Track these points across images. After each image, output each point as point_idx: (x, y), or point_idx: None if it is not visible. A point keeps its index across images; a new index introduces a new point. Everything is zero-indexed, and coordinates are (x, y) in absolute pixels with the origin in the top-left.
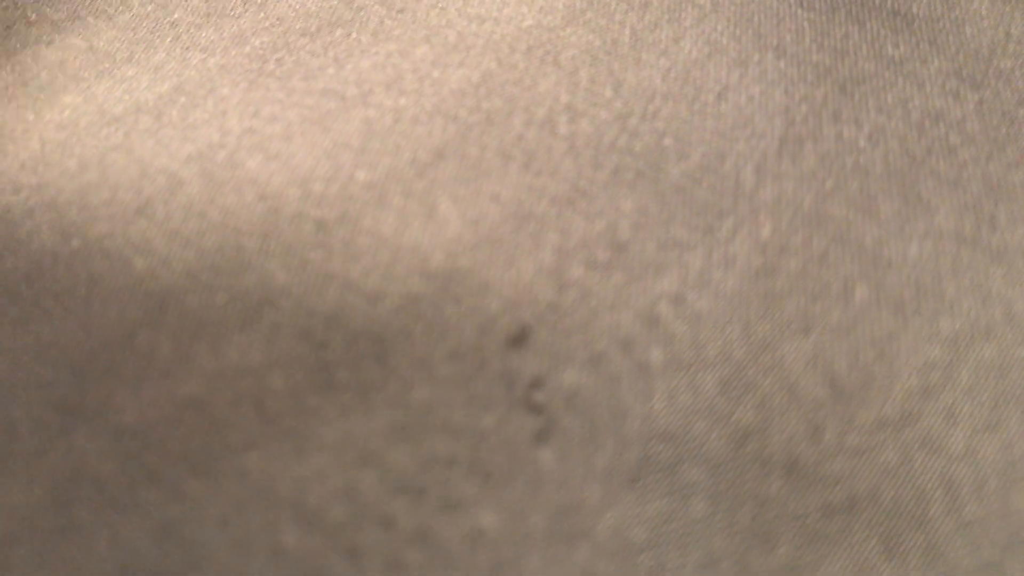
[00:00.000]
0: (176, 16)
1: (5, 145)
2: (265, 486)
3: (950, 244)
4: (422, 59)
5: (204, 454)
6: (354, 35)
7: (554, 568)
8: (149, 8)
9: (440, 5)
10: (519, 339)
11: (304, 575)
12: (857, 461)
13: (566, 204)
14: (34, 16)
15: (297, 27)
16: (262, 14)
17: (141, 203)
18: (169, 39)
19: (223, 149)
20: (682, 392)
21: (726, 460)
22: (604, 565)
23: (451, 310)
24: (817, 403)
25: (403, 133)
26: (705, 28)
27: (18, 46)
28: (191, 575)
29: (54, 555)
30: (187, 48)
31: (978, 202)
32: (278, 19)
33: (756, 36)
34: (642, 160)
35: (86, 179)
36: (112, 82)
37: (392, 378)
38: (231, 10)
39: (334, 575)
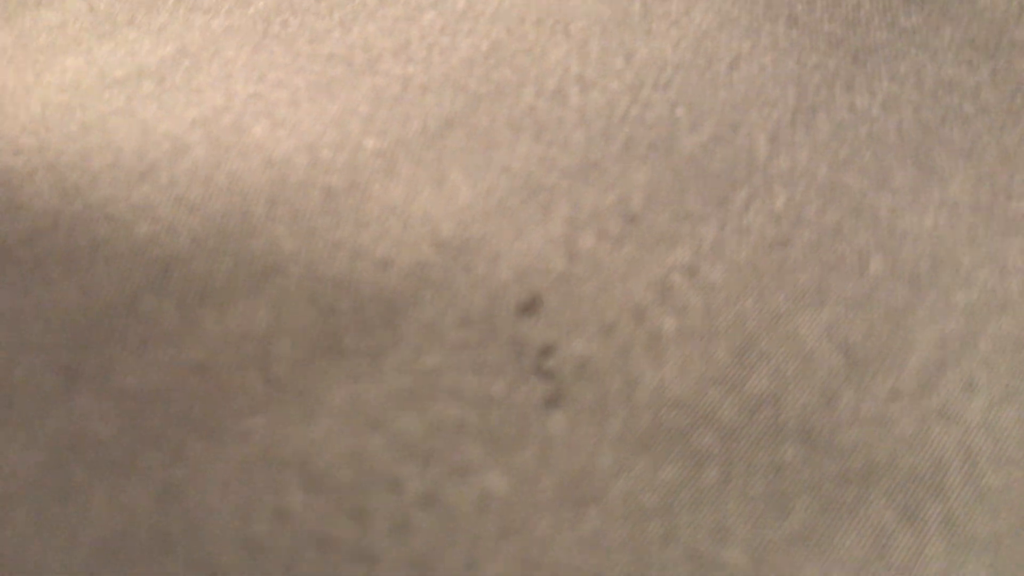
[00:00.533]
0: None
1: (5, 107)
2: (270, 449)
3: (965, 214)
4: (430, 26)
5: (208, 417)
6: None
7: (564, 533)
8: None
9: None
10: (529, 307)
11: (309, 536)
12: (873, 430)
13: (577, 175)
14: None
15: None
16: None
17: (145, 168)
18: (171, 1)
19: (229, 114)
20: (695, 360)
21: (739, 428)
22: (615, 530)
23: (461, 278)
24: (832, 373)
25: (412, 102)
26: None
27: (18, 8)
28: (192, 537)
29: (54, 516)
30: (190, 10)
31: (993, 171)
32: None
33: (767, 6)
34: (654, 131)
35: (88, 142)
36: (113, 44)
37: (401, 344)
38: None
39: (340, 537)
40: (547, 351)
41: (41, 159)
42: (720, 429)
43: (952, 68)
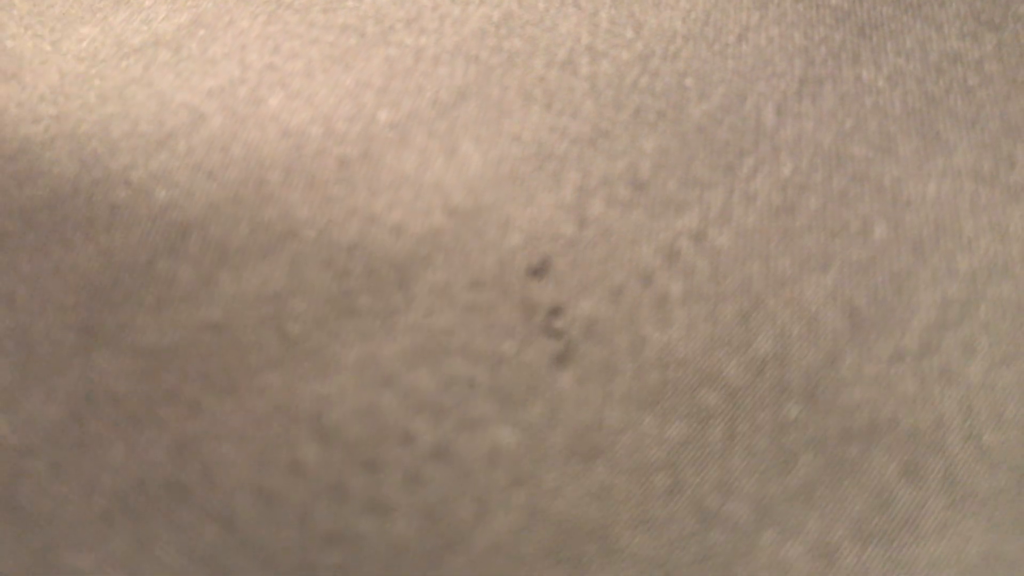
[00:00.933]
0: None
1: (23, 75)
2: (285, 403)
3: (968, 183)
4: None
5: (224, 373)
6: None
7: (571, 484)
8: None
9: None
10: (539, 270)
11: (321, 487)
12: (876, 389)
13: (587, 144)
14: None
15: None
16: None
17: (163, 136)
18: None
19: (244, 85)
20: (701, 322)
21: (745, 386)
22: (621, 482)
23: (472, 242)
24: (836, 334)
25: (424, 73)
26: None
27: None
28: (208, 487)
29: (71, 467)
30: None
31: (996, 141)
32: None
33: None
34: (663, 100)
35: (107, 111)
36: (129, 12)
37: (413, 305)
38: None
39: (352, 488)
40: (556, 311)
41: (60, 127)
42: (726, 388)
43: (957, 41)
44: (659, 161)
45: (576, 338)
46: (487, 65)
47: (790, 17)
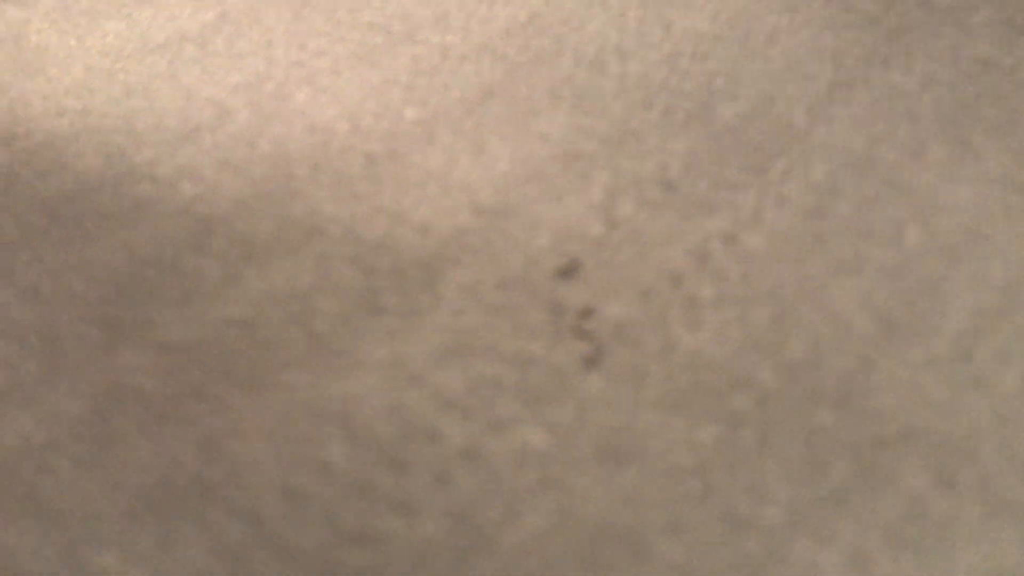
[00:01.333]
0: None
1: (49, 70)
2: (312, 402)
3: (1000, 189)
4: None
5: (250, 371)
6: None
7: (601, 487)
8: None
9: None
10: (568, 271)
11: (351, 487)
12: (908, 396)
13: (616, 144)
14: None
15: None
16: None
17: (188, 131)
18: None
19: (271, 81)
20: (733, 325)
21: (776, 391)
22: (652, 487)
23: (500, 242)
24: (868, 340)
25: (451, 71)
26: None
27: None
28: (234, 485)
29: (97, 463)
30: None
31: None
32: None
33: None
34: (693, 101)
35: (131, 106)
36: (155, 9)
37: (441, 304)
38: None
39: (382, 487)
40: (586, 313)
41: (85, 122)
42: (757, 392)
43: (988, 47)
44: (689, 162)
45: (606, 340)
46: (514, 63)
47: (820, 20)
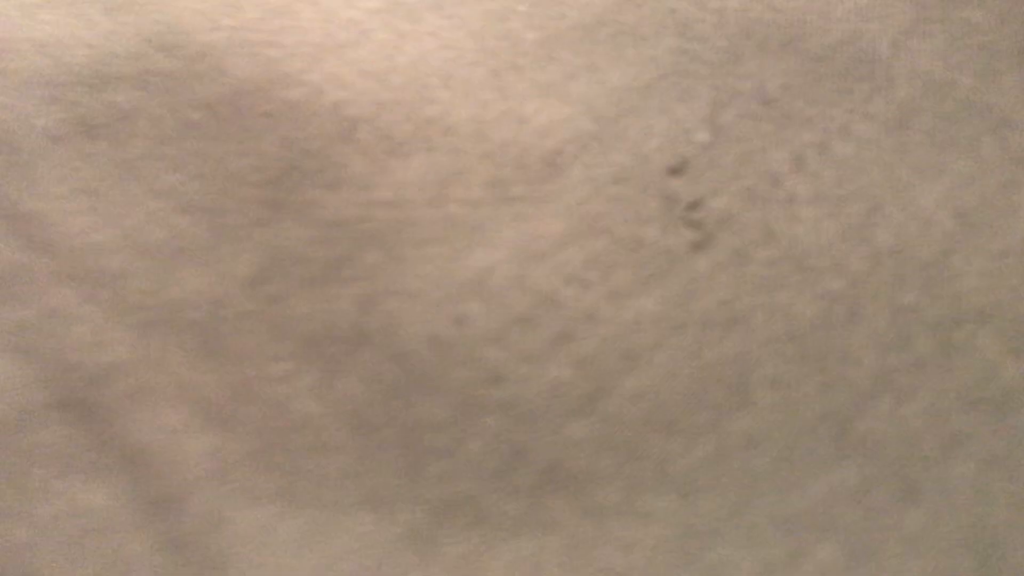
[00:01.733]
0: None
1: None
2: (449, 270)
3: None
4: None
5: (395, 244)
6: None
7: (708, 348)
8: None
9: None
10: (677, 169)
11: (486, 339)
12: (984, 281)
13: (718, 66)
14: None
15: None
16: None
17: (332, 46)
18: None
19: (404, 6)
20: (826, 219)
21: (866, 275)
22: (753, 349)
23: (615, 144)
24: (948, 234)
25: (565, 2)
26: None
27: None
28: (387, 334)
29: (264, 315)
30: None
31: None
32: None
33: None
34: (786, 33)
35: (278, 24)
36: None
37: (562, 194)
38: None
39: (512, 339)
40: (694, 205)
41: (238, 36)
42: (849, 276)
43: None
44: (784, 82)
45: (712, 228)
46: None
47: None
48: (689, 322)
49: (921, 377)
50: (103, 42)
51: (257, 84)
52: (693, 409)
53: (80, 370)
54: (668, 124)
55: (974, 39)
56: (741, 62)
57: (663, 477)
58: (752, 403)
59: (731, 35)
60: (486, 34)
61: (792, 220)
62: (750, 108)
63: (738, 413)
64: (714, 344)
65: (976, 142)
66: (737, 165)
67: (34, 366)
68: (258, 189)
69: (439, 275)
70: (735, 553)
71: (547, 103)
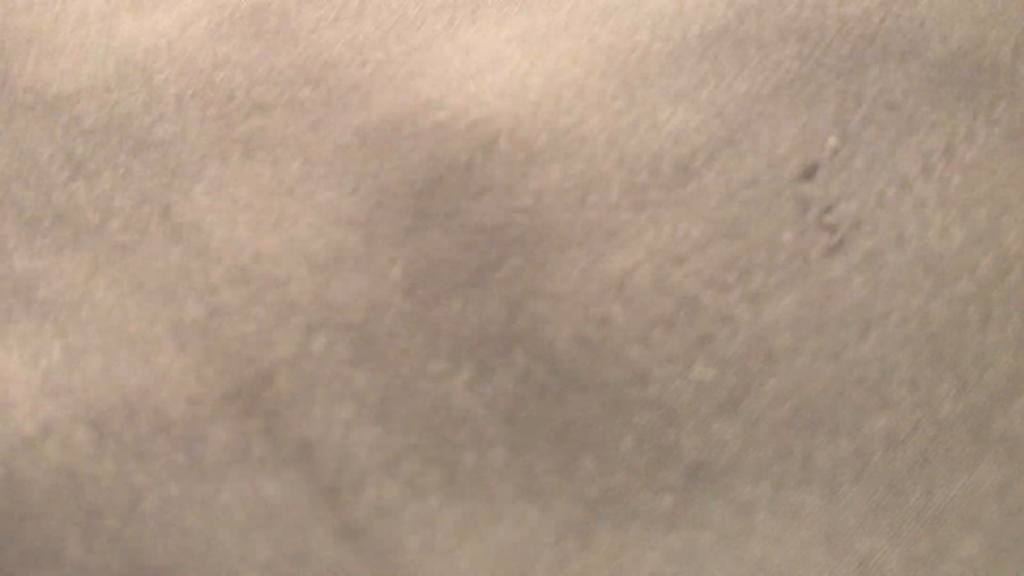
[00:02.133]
0: None
1: (344, 23)
2: (591, 273)
3: None
4: None
5: (538, 247)
6: None
7: (846, 351)
8: None
9: None
10: (809, 173)
11: (628, 339)
12: None
13: (842, 72)
14: None
15: None
16: None
17: (471, 73)
18: None
19: (535, 32)
20: (955, 224)
21: (995, 278)
22: (894, 353)
23: (747, 149)
24: None
25: (690, 12)
26: None
27: None
28: (535, 335)
29: (419, 317)
30: None
31: None
32: None
33: None
34: (907, 40)
35: (420, 57)
36: None
37: (697, 198)
38: None
39: (654, 340)
40: (827, 209)
41: (385, 70)
42: (979, 279)
43: None
44: (908, 88)
45: (846, 232)
46: (743, 6)
47: None
48: (827, 324)
49: None
50: (254, 68)
51: (403, 110)
52: (834, 409)
53: (250, 366)
54: (797, 129)
55: None
56: (864, 68)
57: (808, 474)
58: (891, 403)
59: (853, 41)
60: (615, 48)
61: (922, 224)
62: (876, 113)
63: (878, 413)
64: (852, 346)
65: None
66: (867, 169)
67: (203, 362)
68: (407, 201)
69: (581, 278)
70: (881, 547)
71: (678, 110)
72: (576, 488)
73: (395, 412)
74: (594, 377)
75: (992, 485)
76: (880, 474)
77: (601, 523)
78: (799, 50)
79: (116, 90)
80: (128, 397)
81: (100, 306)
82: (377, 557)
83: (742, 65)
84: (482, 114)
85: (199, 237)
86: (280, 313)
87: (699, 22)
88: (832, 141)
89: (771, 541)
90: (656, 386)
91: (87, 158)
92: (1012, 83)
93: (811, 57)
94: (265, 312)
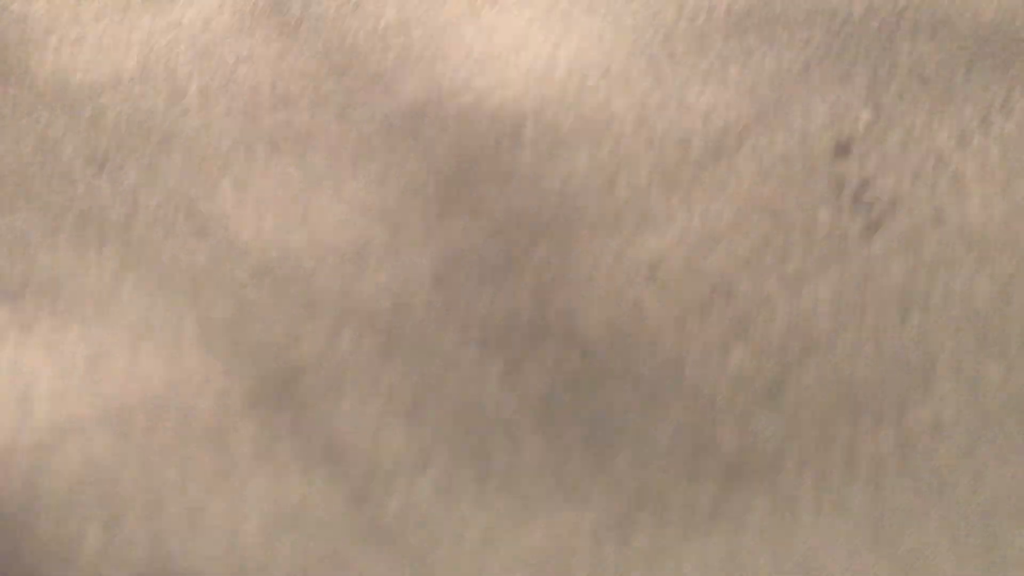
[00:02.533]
0: None
1: (368, 6)
2: (621, 256)
3: None
4: None
5: (567, 232)
6: None
7: (888, 334)
8: None
9: None
10: (843, 150)
11: (663, 326)
12: None
13: (872, 47)
14: None
15: None
16: None
17: (495, 55)
18: None
19: (556, 9)
20: (996, 197)
21: None
22: (936, 331)
23: (780, 126)
24: None
25: None
26: None
27: None
28: (565, 322)
29: (445, 312)
30: None
31: None
32: None
33: None
34: (938, 13)
35: (443, 41)
36: None
37: (729, 178)
38: None
39: (690, 326)
40: (863, 186)
41: (408, 54)
42: (1022, 256)
43: None
44: (940, 60)
45: (883, 210)
46: None
47: None
48: (867, 307)
49: None
50: (277, 61)
51: (427, 96)
52: (876, 396)
53: (277, 363)
54: (829, 105)
55: None
56: (895, 43)
57: (852, 466)
58: (935, 389)
59: (883, 17)
60: (640, 27)
61: (961, 199)
62: (909, 87)
63: (922, 399)
64: (893, 329)
65: None
66: (902, 144)
67: (229, 359)
68: (434, 190)
69: (612, 263)
70: (931, 541)
71: (706, 88)
72: (612, 484)
73: (425, 407)
74: (627, 366)
75: None
76: (926, 464)
77: (639, 522)
78: (828, 27)
79: (139, 83)
80: (153, 395)
81: (125, 304)
82: (407, 560)
83: (770, 43)
84: (507, 97)
85: (225, 233)
86: (307, 308)
87: (725, 2)
88: (865, 116)
89: (818, 538)
90: (693, 375)
91: (111, 153)
92: None
93: (841, 33)
94: (292, 307)
